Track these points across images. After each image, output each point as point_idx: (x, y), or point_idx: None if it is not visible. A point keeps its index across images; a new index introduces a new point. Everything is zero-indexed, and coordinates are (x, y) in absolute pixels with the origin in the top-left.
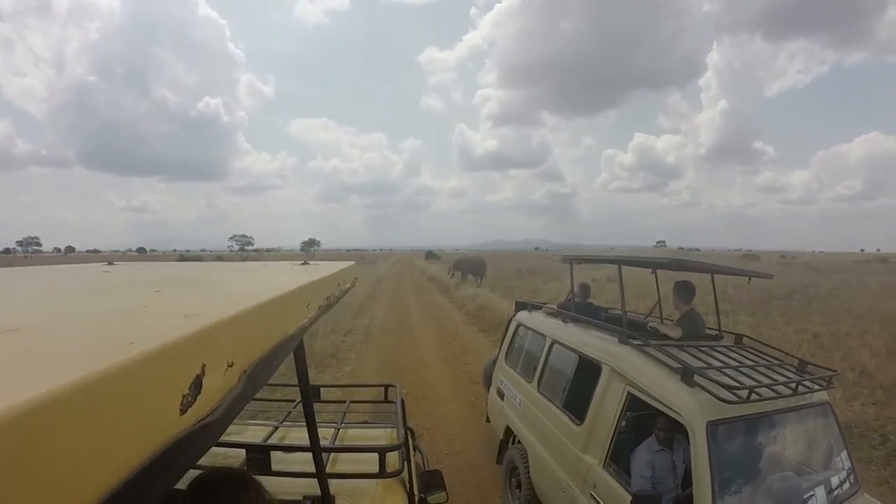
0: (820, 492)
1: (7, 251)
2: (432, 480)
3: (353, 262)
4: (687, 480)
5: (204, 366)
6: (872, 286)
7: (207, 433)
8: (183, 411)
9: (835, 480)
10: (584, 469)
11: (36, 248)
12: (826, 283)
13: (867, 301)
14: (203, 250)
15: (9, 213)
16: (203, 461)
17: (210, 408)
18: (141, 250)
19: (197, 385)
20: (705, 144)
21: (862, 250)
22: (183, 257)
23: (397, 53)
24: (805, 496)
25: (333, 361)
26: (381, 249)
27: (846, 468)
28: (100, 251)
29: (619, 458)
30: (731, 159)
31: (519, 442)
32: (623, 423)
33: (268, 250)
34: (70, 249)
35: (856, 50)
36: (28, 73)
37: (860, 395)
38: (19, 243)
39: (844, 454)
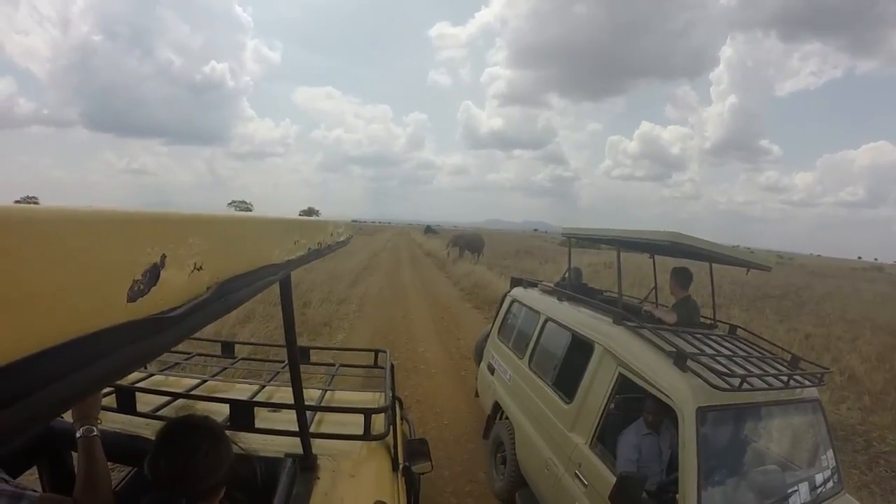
0: (804, 488)
1: None
2: (418, 449)
3: (350, 221)
4: (672, 466)
5: (164, 257)
6: (867, 293)
7: (161, 332)
8: (132, 299)
9: (819, 478)
10: (570, 448)
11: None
12: (821, 286)
13: (860, 307)
14: None
15: (7, 172)
16: (186, 415)
17: (168, 305)
18: None
19: (153, 275)
20: (711, 138)
21: (859, 258)
22: None
23: (407, 26)
24: (789, 491)
25: (326, 329)
26: (380, 222)
27: (831, 467)
28: None
29: (605, 440)
30: (736, 155)
31: (506, 418)
32: (612, 404)
33: None
34: None
35: (870, 57)
36: (32, 32)
37: (847, 399)
38: (17, 202)
39: (830, 453)
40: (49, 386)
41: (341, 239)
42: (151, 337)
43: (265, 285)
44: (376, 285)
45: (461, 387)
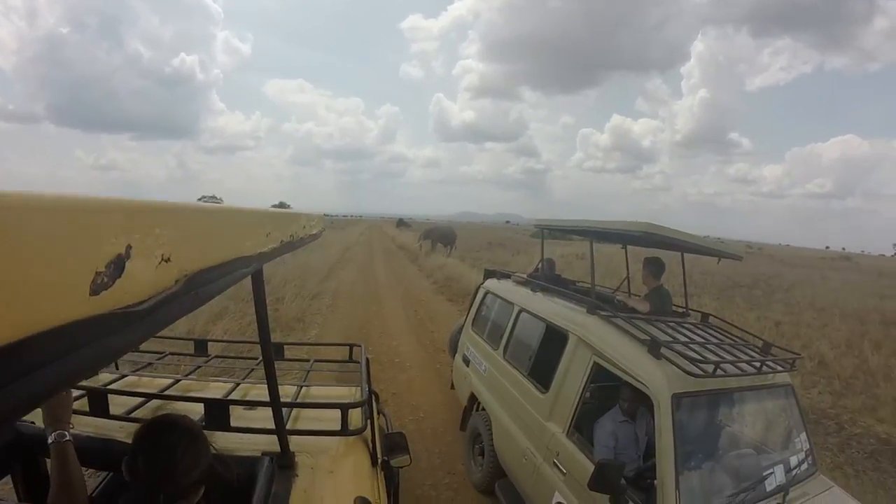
0: (779, 470)
1: None
2: (396, 442)
3: (322, 214)
4: (649, 452)
5: (129, 247)
6: (835, 282)
7: (127, 327)
8: (94, 292)
9: (794, 460)
10: (547, 437)
11: None
12: (790, 275)
13: (829, 296)
14: None
15: None
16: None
17: (134, 299)
18: None
19: (118, 266)
20: (682, 131)
21: (827, 247)
22: None
23: (380, 18)
24: (764, 473)
25: (299, 325)
26: (352, 216)
27: (805, 450)
28: None
29: (582, 428)
30: (707, 148)
31: (483, 409)
32: (588, 392)
33: None
34: None
35: (840, 54)
36: None
37: (818, 384)
38: None
39: (804, 436)
40: (7, 386)
41: (314, 231)
42: (118, 332)
43: (237, 278)
44: (349, 279)
45: (436, 380)
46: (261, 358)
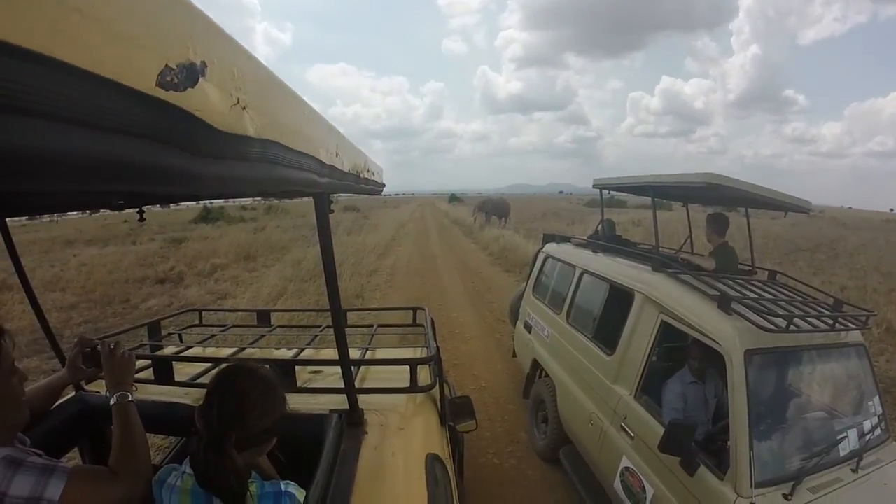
0: (852, 435)
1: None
2: (461, 408)
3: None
4: (718, 415)
5: (205, 65)
6: None
7: (190, 145)
8: (161, 84)
9: (867, 425)
10: (614, 400)
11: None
12: (853, 238)
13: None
14: (226, 201)
15: None
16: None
17: (205, 118)
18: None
19: (191, 74)
20: (735, 91)
21: (892, 209)
22: (207, 209)
23: None
24: (838, 437)
25: (358, 301)
26: (404, 194)
27: (878, 414)
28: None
29: (650, 390)
30: (761, 107)
31: (546, 375)
32: (655, 354)
33: (291, 198)
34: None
35: (894, 1)
36: None
37: (885, 352)
38: None
39: (877, 400)
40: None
41: (374, 178)
42: (178, 148)
43: (307, 181)
44: (405, 255)
45: (497, 349)
46: (324, 326)
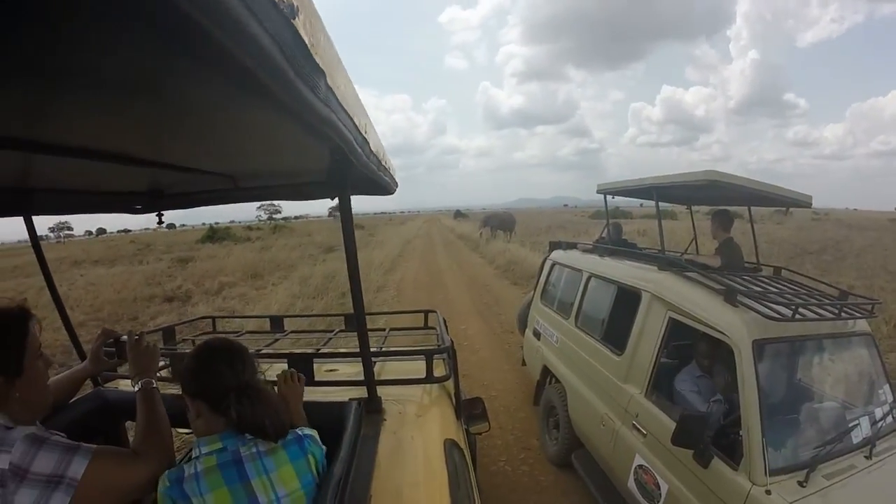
0: (864, 422)
1: (42, 238)
2: (473, 409)
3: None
4: (728, 409)
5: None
6: None
7: None
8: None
9: (878, 413)
10: (625, 400)
11: (68, 232)
12: (859, 238)
13: None
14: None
15: None
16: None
17: None
18: (171, 226)
19: (290, 9)
20: (735, 97)
21: None
22: (213, 229)
23: (417, 14)
24: (850, 425)
25: (367, 317)
26: (409, 211)
27: (889, 402)
28: (130, 230)
29: (661, 387)
30: (762, 112)
31: (556, 381)
32: (664, 351)
33: (296, 218)
34: (101, 231)
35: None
36: None
37: (894, 349)
38: (51, 229)
39: (887, 388)
40: None
41: (391, 171)
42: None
43: (345, 142)
44: (412, 271)
45: (506, 359)
46: (337, 330)
